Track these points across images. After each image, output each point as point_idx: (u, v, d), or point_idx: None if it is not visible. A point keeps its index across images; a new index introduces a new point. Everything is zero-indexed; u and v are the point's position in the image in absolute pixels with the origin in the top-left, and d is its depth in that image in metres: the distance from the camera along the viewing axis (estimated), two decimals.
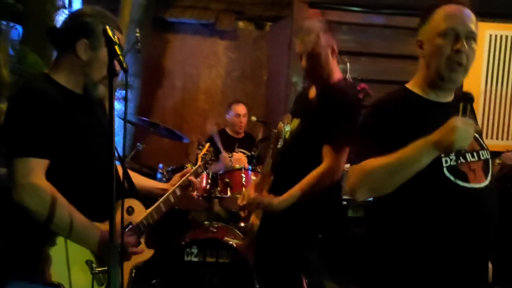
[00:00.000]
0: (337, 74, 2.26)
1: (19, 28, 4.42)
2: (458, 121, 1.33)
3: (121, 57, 1.27)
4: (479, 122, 4.30)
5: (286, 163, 2.26)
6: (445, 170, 1.45)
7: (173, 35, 5.24)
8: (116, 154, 1.85)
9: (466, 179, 1.47)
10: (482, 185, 1.50)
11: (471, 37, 1.49)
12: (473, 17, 1.51)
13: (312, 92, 2.32)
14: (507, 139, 4.22)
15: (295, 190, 2.11)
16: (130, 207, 1.84)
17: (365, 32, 4.34)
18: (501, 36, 4.34)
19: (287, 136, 2.28)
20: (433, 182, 1.43)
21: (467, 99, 1.41)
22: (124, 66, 1.26)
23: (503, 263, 3.71)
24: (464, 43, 1.47)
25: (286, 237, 2.22)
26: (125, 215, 1.78)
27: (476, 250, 1.48)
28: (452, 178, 1.45)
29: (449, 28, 1.47)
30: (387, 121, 1.47)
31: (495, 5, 4.27)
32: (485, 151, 1.56)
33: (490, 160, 1.57)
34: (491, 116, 4.33)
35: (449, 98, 1.57)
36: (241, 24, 5.26)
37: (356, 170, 1.43)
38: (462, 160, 1.49)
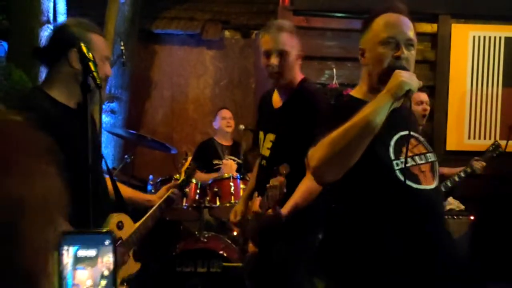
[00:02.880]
0: (299, 76, 2.19)
1: (4, 44, 4.44)
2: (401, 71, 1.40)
3: (95, 73, 1.29)
4: (466, 122, 4.34)
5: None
6: (397, 172, 1.48)
7: (160, 47, 5.27)
8: (105, 167, 1.88)
9: (417, 181, 1.51)
10: (432, 186, 1.54)
11: (410, 44, 1.53)
12: (411, 25, 1.55)
13: (276, 100, 2.23)
14: (493, 138, 4.25)
15: (291, 206, 2.02)
16: (120, 222, 1.87)
17: (349, 38, 4.37)
18: (484, 37, 4.39)
19: (267, 154, 2.21)
20: (386, 184, 1.46)
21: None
22: (98, 82, 1.27)
23: (497, 260, 3.75)
24: (404, 50, 1.50)
25: (287, 244, 2.15)
26: (116, 230, 1.82)
27: (429, 248, 1.50)
28: (404, 180, 1.47)
29: (389, 37, 1.50)
30: (335, 122, 1.46)
31: (477, 7, 4.33)
32: (431, 154, 1.60)
33: (436, 162, 1.60)
34: (477, 116, 4.37)
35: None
36: (227, 33, 5.30)
37: (315, 149, 1.38)
38: (413, 163, 1.52)
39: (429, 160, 1.57)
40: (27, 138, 0.55)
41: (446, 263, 1.52)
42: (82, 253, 0.71)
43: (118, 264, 1.64)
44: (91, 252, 0.72)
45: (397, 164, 1.47)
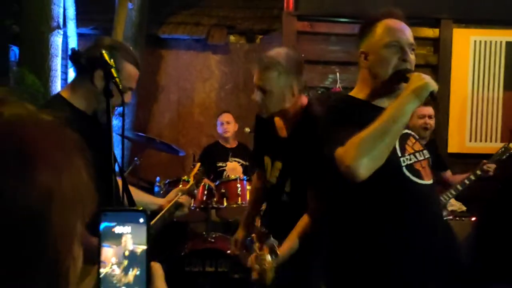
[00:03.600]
0: (299, 103, 2.04)
1: (16, 49, 4.53)
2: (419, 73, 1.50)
3: (117, 79, 1.36)
4: (467, 125, 4.41)
5: (280, 208, 2.14)
6: (404, 169, 1.56)
7: (166, 51, 5.36)
8: (117, 169, 1.95)
9: (420, 176, 1.59)
10: (431, 182, 1.63)
11: (412, 48, 1.62)
12: (410, 30, 1.65)
13: (281, 127, 2.14)
14: (494, 141, 4.32)
15: (294, 241, 1.95)
16: None
17: (352, 42, 4.41)
18: (485, 42, 4.46)
19: (273, 181, 2.16)
20: (394, 180, 1.53)
21: None
22: (121, 88, 1.35)
23: (501, 261, 3.79)
24: (408, 53, 1.59)
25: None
26: None
27: (432, 242, 1.59)
28: (410, 175, 1.56)
29: (393, 41, 1.59)
30: (343, 118, 1.56)
31: (478, 12, 4.40)
32: (426, 151, 1.69)
33: (430, 159, 1.69)
34: (478, 119, 4.43)
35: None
36: (232, 38, 5.38)
37: (347, 148, 1.42)
38: (415, 159, 1.60)
39: (426, 157, 1.66)
40: (57, 135, 0.61)
41: (448, 263, 1.59)
42: (119, 229, 0.75)
43: (151, 242, 1.69)
44: (127, 229, 0.75)
45: (403, 161, 1.56)
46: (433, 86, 1.46)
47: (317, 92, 4.35)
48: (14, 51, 4.50)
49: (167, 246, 3.48)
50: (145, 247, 0.72)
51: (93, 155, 1.73)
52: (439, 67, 4.39)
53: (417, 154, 1.62)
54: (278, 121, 2.15)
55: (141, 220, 0.73)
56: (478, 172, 3.39)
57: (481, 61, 4.46)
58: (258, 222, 2.13)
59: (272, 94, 1.98)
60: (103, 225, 0.73)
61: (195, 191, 2.42)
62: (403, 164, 1.56)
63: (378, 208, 1.54)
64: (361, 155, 1.40)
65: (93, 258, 0.73)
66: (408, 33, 1.62)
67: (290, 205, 2.07)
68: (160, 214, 2.10)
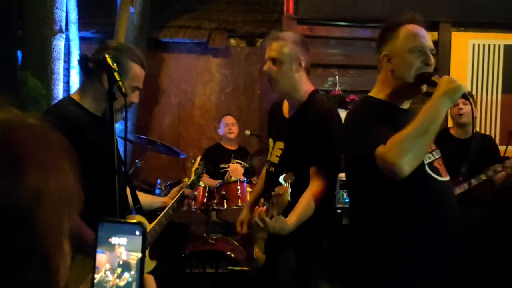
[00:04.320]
0: (305, 86, 2.20)
1: (18, 53, 4.56)
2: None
3: (120, 83, 1.40)
4: None
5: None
6: (426, 167, 1.65)
7: (167, 55, 5.40)
8: (123, 171, 1.99)
9: (439, 174, 1.69)
10: (448, 178, 1.73)
11: (433, 53, 1.71)
12: (429, 36, 1.74)
13: (287, 109, 2.27)
14: None
15: (298, 215, 2.00)
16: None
17: (352, 46, 4.49)
18: (484, 45, 4.50)
19: (276, 161, 2.24)
20: (418, 178, 1.59)
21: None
22: (124, 90, 1.39)
23: (503, 263, 3.81)
24: (431, 57, 1.69)
25: (294, 249, 2.17)
26: None
27: (453, 237, 1.68)
28: (432, 173, 1.66)
29: (417, 46, 1.68)
30: (373, 118, 1.64)
31: (477, 15, 4.45)
32: (438, 150, 1.77)
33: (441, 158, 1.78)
34: (477, 122, 4.47)
35: (407, 106, 1.78)
36: (233, 41, 5.43)
37: (390, 147, 1.49)
38: (434, 157, 1.69)
39: (440, 155, 1.76)
40: (44, 138, 0.63)
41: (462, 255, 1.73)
42: (115, 240, 0.79)
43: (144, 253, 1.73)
44: (123, 240, 0.79)
45: (425, 159, 1.64)
46: (465, 88, 1.56)
47: None
48: (17, 55, 4.53)
49: (168, 247, 3.51)
50: (139, 255, 0.76)
51: (101, 155, 1.76)
52: (438, 70, 4.42)
53: (434, 153, 1.71)
54: (285, 104, 2.28)
55: (137, 232, 0.77)
56: (490, 174, 3.28)
57: (479, 64, 4.50)
58: (261, 201, 2.16)
59: (282, 63, 2.12)
60: (100, 234, 0.78)
61: (196, 192, 2.45)
62: (425, 162, 1.64)
63: (404, 203, 1.64)
64: (404, 153, 1.47)
65: (89, 249, 0.77)
66: (429, 39, 1.72)
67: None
68: (165, 211, 2.14)
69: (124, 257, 0.76)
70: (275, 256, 2.18)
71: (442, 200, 1.68)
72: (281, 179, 1.94)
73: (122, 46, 1.83)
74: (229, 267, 3.17)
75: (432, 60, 1.69)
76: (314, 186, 2.07)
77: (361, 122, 1.66)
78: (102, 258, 0.77)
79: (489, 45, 4.50)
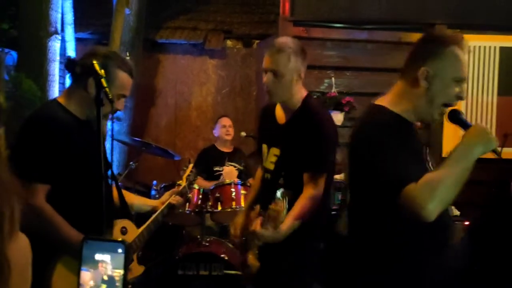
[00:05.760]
0: (300, 92, 2.18)
1: (14, 53, 4.56)
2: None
3: (107, 89, 1.40)
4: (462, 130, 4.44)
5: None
6: None
7: (164, 56, 5.40)
8: (110, 174, 1.99)
9: None
10: None
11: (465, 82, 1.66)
12: None
13: (280, 115, 2.25)
14: None
15: (291, 221, 1.99)
16: (124, 227, 1.97)
17: (348, 47, 4.49)
18: (480, 47, 4.50)
19: (271, 168, 2.23)
20: None
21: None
22: (110, 97, 1.39)
23: (493, 265, 3.82)
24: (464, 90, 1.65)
25: (290, 253, 2.16)
26: (120, 235, 1.92)
27: (447, 244, 1.72)
28: None
29: (463, 78, 1.63)
30: (394, 137, 1.57)
31: (473, 17, 4.44)
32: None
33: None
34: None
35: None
36: (229, 42, 5.43)
37: (421, 191, 1.46)
38: (432, 168, 1.67)
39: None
40: None
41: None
42: (99, 257, 0.81)
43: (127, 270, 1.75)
44: (106, 257, 0.81)
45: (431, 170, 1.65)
46: (497, 142, 1.55)
47: (312, 96, 4.39)
48: (12, 56, 4.54)
49: (161, 249, 3.51)
50: (122, 272, 0.80)
51: (86, 158, 1.77)
52: None
53: (430, 163, 1.71)
54: (278, 109, 2.25)
55: (120, 250, 0.81)
56: None
57: (475, 66, 4.50)
58: (257, 208, 2.16)
59: (283, 76, 2.08)
60: (84, 252, 0.81)
61: (188, 193, 2.46)
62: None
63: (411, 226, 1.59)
64: (436, 200, 1.45)
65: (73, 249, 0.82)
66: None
67: (286, 188, 2.11)
68: (154, 216, 2.14)
69: (108, 272, 0.81)
70: (271, 259, 2.17)
71: (448, 221, 1.71)
72: (278, 194, 1.93)
73: (111, 53, 1.84)
74: (225, 271, 3.17)
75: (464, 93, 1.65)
76: (308, 192, 2.06)
77: (384, 145, 1.56)
78: (86, 275, 0.81)
79: (485, 47, 4.50)
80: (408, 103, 1.63)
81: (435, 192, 1.44)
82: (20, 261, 0.72)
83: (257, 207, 2.17)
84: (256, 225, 1.87)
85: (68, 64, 1.79)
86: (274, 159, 2.21)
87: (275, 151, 2.21)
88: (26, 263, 0.73)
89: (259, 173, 2.45)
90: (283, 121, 2.22)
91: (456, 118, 1.63)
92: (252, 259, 2.16)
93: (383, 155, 1.54)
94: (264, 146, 2.29)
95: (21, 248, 0.72)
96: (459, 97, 1.62)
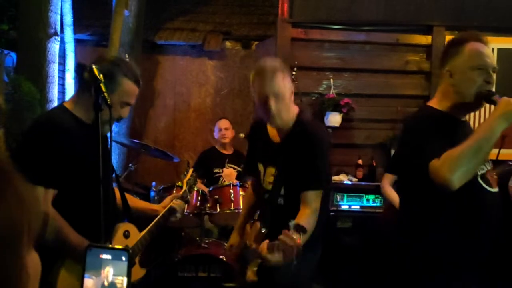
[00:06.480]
0: (293, 110, 2.13)
1: (13, 55, 4.57)
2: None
3: (105, 94, 1.41)
4: None
5: (277, 211, 2.16)
6: (479, 178, 1.74)
7: (163, 57, 5.41)
8: (113, 177, 2.01)
9: (490, 185, 1.78)
10: (497, 189, 1.81)
11: (495, 71, 1.77)
12: (493, 55, 1.82)
13: (273, 134, 2.20)
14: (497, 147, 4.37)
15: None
16: (127, 231, 1.99)
17: (346, 49, 4.51)
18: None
19: (269, 188, 2.19)
20: (471, 188, 1.67)
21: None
22: (109, 102, 1.40)
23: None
24: (493, 76, 1.75)
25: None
26: (122, 239, 1.94)
27: (490, 246, 1.79)
28: (484, 184, 1.75)
29: (481, 65, 1.75)
30: (434, 130, 1.71)
31: (470, 19, 4.45)
32: (490, 161, 1.85)
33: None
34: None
35: (464, 118, 1.86)
36: (228, 44, 5.44)
37: (443, 162, 1.58)
38: (486, 168, 1.78)
39: (491, 167, 1.84)
40: None
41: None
42: (102, 264, 0.82)
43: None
44: (109, 265, 0.82)
45: (478, 171, 1.73)
46: None
47: (311, 98, 4.40)
48: (12, 57, 4.55)
49: (161, 251, 3.53)
50: (125, 279, 0.81)
51: (88, 162, 1.78)
52: (432, 74, 4.44)
53: (486, 164, 1.80)
54: (270, 127, 2.20)
55: (123, 258, 0.82)
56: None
57: None
58: (258, 226, 2.15)
59: (284, 97, 2.04)
60: (88, 259, 0.82)
61: (188, 197, 2.47)
62: (478, 174, 1.73)
63: (454, 210, 1.72)
64: (456, 170, 1.57)
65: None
66: (492, 57, 1.80)
67: (286, 207, 2.13)
68: (155, 220, 2.16)
69: (110, 279, 0.82)
70: (269, 272, 2.09)
71: (490, 211, 1.75)
72: (291, 225, 1.79)
73: (119, 60, 1.83)
74: (224, 284, 3.18)
75: (494, 78, 1.74)
76: (305, 214, 2.01)
77: (420, 134, 1.73)
78: (89, 282, 0.82)
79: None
80: (448, 101, 1.79)
81: (455, 162, 1.56)
82: (33, 273, 0.71)
83: (257, 224, 2.16)
84: (263, 249, 1.80)
85: (77, 69, 1.80)
86: (271, 179, 2.18)
87: (272, 170, 2.17)
88: (37, 274, 0.72)
89: (250, 189, 2.45)
90: (278, 140, 2.17)
91: (481, 96, 1.72)
92: (251, 275, 2.12)
93: (416, 142, 1.70)
94: (260, 166, 2.25)
95: (33, 259, 0.71)
96: (487, 82, 1.72)
